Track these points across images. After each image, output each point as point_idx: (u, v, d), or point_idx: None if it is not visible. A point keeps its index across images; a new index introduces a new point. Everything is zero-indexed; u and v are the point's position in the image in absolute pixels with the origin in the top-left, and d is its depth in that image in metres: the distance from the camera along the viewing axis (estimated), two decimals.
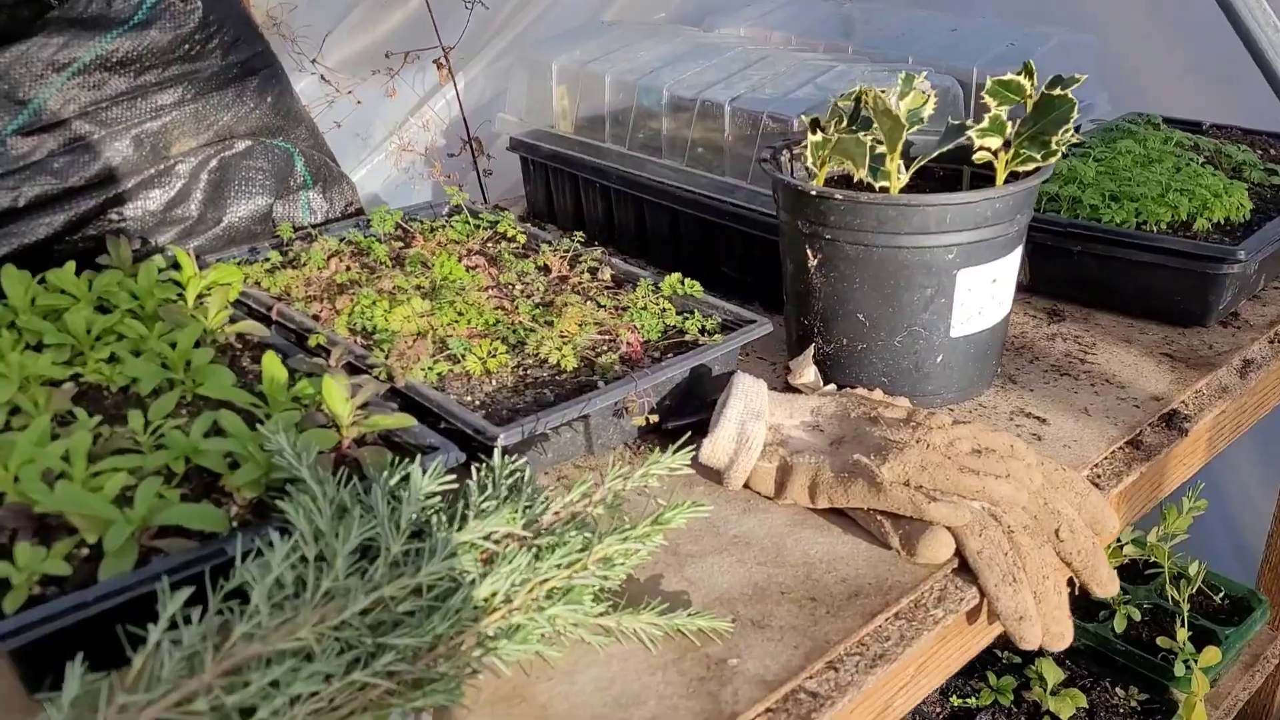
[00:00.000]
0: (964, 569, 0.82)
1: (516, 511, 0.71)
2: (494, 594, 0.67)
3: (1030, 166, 0.94)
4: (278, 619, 0.59)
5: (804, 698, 0.71)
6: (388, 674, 0.61)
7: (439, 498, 0.73)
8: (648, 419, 0.95)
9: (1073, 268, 1.19)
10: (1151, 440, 0.99)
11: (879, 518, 0.84)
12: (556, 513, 0.75)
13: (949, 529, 0.81)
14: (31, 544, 0.70)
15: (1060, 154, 0.91)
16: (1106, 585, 0.84)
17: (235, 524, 0.75)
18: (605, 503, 0.77)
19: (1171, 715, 1.41)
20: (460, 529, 0.68)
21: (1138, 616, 1.50)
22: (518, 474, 0.78)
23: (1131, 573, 1.59)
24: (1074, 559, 0.84)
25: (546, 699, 0.69)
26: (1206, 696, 1.41)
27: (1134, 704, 1.45)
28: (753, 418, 0.90)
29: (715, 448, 0.90)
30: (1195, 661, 1.39)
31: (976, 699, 1.46)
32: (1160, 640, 1.45)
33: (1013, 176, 0.97)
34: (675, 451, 0.81)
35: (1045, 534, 0.83)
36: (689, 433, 0.90)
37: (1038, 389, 1.06)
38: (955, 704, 1.47)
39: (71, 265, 1.01)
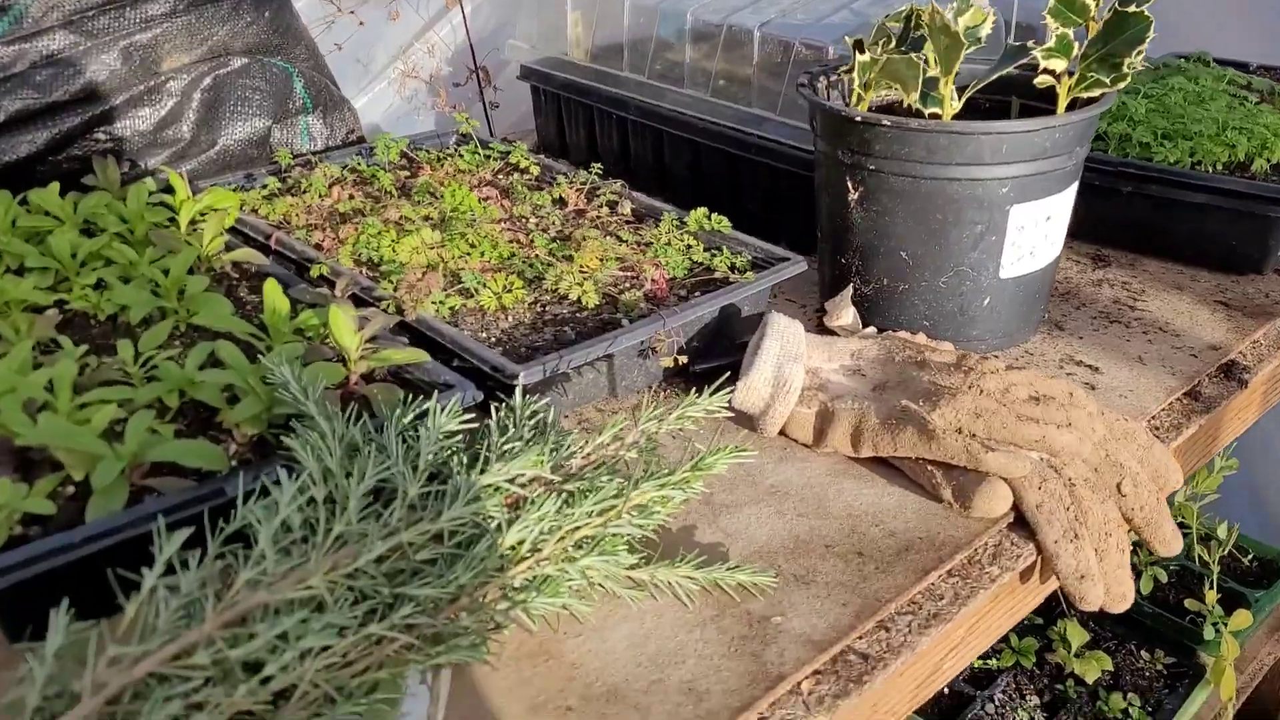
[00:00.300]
0: (1020, 524, 0.76)
1: (544, 454, 0.65)
2: (521, 542, 0.61)
3: (1096, 92, 0.87)
4: (285, 565, 0.53)
5: (854, 659, 0.65)
6: (406, 627, 0.55)
7: (458, 438, 0.67)
8: (676, 360, 0.89)
9: (1121, 210, 1.12)
10: (1210, 392, 0.93)
11: (929, 468, 0.78)
12: (587, 456, 0.68)
13: (1006, 481, 0.75)
14: (12, 480, 0.64)
15: (1130, 78, 0.84)
16: (1170, 543, 0.79)
17: (234, 463, 0.68)
18: (639, 446, 0.70)
19: (1199, 679, 1.37)
20: (483, 471, 0.62)
21: (1165, 578, 1.45)
22: (540, 415, 0.72)
23: None
24: (1136, 515, 0.78)
25: (575, 656, 0.63)
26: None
27: (1160, 667, 1.41)
28: (790, 360, 0.83)
29: (749, 391, 0.83)
30: (1225, 625, 1.34)
31: (997, 660, 1.42)
32: (1188, 602, 1.40)
33: (1070, 106, 0.91)
34: (713, 393, 0.74)
35: (1107, 488, 0.77)
36: (722, 376, 0.84)
37: (1087, 336, 0.99)
38: (976, 665, 1.42)
39: (55, 186, 0.94)
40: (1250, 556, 1.53)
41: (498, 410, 0.72)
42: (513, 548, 0.61)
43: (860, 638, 0.66)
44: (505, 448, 0.67)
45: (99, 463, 0.64)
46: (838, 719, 0.62)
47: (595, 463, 0.69)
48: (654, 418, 0.71)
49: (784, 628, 0.65)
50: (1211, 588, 1.39)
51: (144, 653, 0.50)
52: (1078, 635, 1.38)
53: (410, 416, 0.68)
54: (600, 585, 0.65)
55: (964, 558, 0.73)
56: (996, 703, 1.36)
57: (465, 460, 0.65)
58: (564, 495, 0.65)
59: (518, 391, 0.74)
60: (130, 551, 0.61)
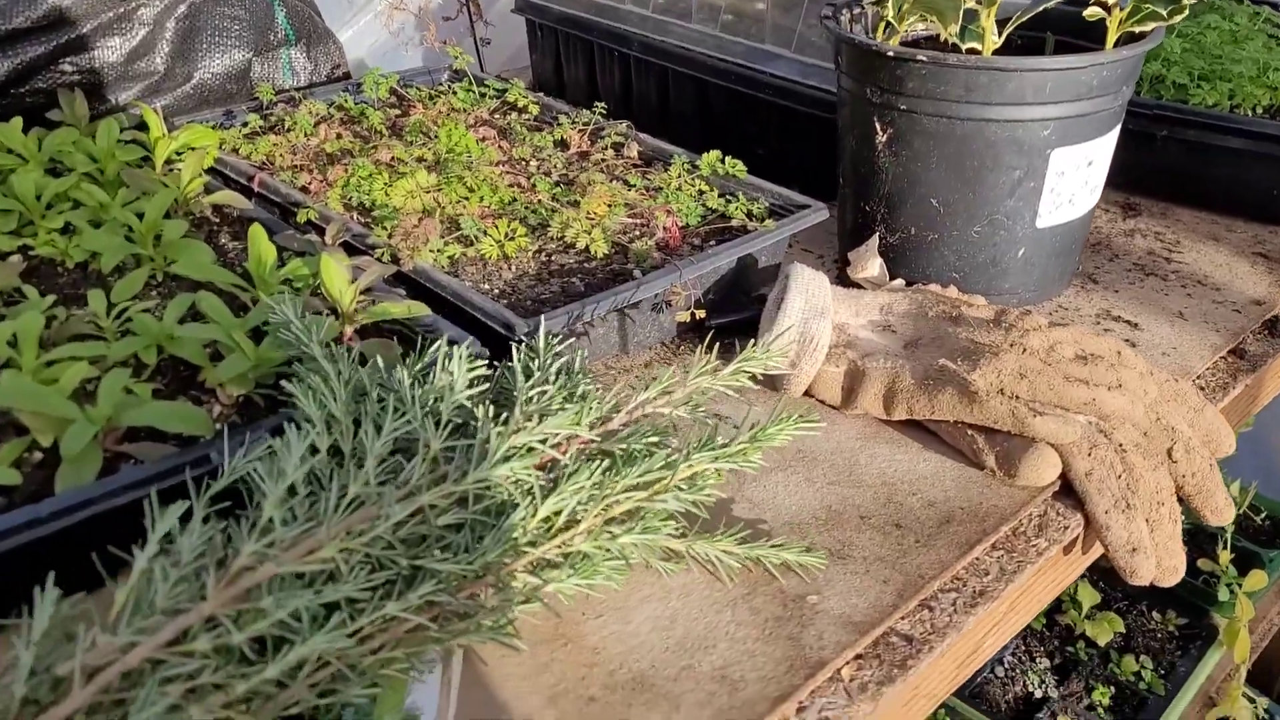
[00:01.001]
0: (1065, 492, 0.71)
1: (582, 412, 0.58)
2: (558, 513, 0.55)
3: (1149, 26, 0.81)
4: (293, 530, 0.47)
5: (897, 641, 0.60)
6: (427, 604, 0.49)
7: (477, 389, 0.60)
8: (693, 314, 0.83)
9: (1154, 156, 1.06)
10: (1256, 349, 0.88)
11: (970, 433, 0.72)
12: (630, 413, 0.62)
13: (1054, 447, 0.70)
14: None
15: (1188, 10, 0.77)
16: (1223, 512, 0.74)
17: (219, 426, 0.62)
18: (689, 403, 0.64)
19: (1212, 641, 1.34)
20: (516, 430, 0.55)
21: None
22: (566, 359, 0.65)
23: None
24: (1187, 482, 0.73)
25: (596, 640, 0.58)
26: None
27: (1171, 628, 1.38)
28: (816, 315, 0.78)
29: (773, 349, 0.78)
30: (1239, 585, 1.31)
31: None
32: (1201, 563, 1.37)
33: (1115, 43, 0.84)
34: (769, 347, 0.68)
35: (1158, 454, 0.72)
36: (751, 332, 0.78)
37: (1122, 290, 0.94)
38: None
39: (18, 121, 0.86)
40: (1263, 515, 1.50)
41: (518, 350, 0.65)
42: (548, 519, 0.55)
43: (903, 618, 0.61)
44: (531, 396, 0.60)
45: (69, 427, 0.58)
46: (880, 710, 0.57)
47: (637, 419, 0.63)
48: (706, 372, 0.65)
49: (821, 608, 0.60)
50: (1225, 548, 1.35)
51: (136, 638, 0.44)
52: (1089, 596, 1.35)
53: (419, 365, 0.61)
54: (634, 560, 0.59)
55: (1008, 530, 0.68)
56: (1006, 665, 1.33)
57: (490, 412, 0.58)
58: (604, 461, 0.58)
59: (540, 334, 0.67)
60: (108, 524, 0.55)
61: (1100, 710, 1.27)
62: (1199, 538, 1.44)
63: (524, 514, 0.53)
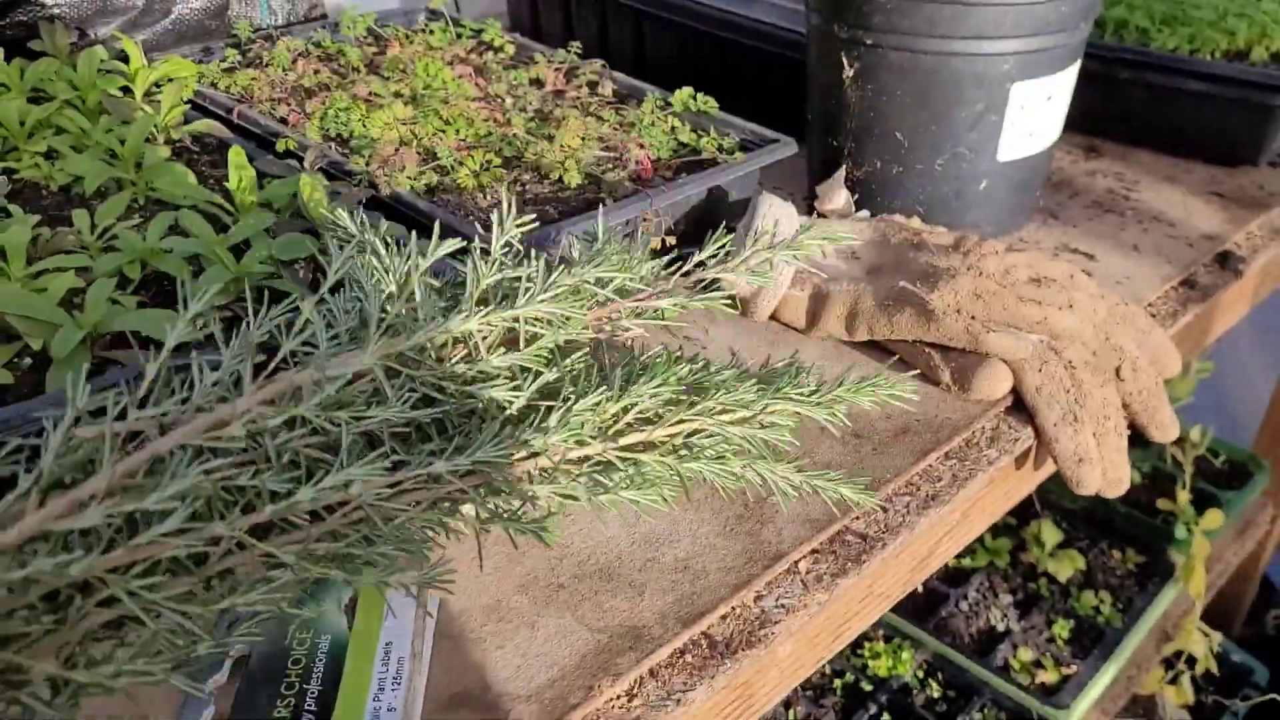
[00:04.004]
0: (1017, 407, 0.74)
1: (629, 260, 0.57)
2: (628, 408, 0.54)
3: None
4: (331, 349, 0.49)
5: (852, 539, 0.63)
6: (468, 472, 0.50)
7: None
8: (663, 242, 0.85)
9: (1115, 99, 1.09)
10: (1206, 280, 0.91)
11: (927, 350, 0.75)
12: (685, 274, 0.61)
13: (1006, 363, 0.73)
14: None
15: None
16: (1167, 429, 0.77)
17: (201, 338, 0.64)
18: (757, 271, 0.64)
19: (1168, 577, 1.38)
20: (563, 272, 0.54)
21: (1137, 479, 1.46)
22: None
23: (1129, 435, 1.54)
24: (1134, 400, 0.76)
25: (566, 536, 0.61)
26: None
27: (1131, 566, 1.42)
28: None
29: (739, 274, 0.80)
30: (1196, 524, 1.35)
31: (971, 560, 1.42)
32: (1160, 503, 1.41)
33: None
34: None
35: (1106, 371, 0.75)
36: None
37: (1081, 225, 0.97)
38: (950, 564, 1.42)
39: (0, 52, 0.88)
40: (1222, 459, 1.54)
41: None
42: (616, 415, 0.54)
43: (858, 518, 0.64)
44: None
45: (58, 331, 0.60)
46: (835, 599, 0.60)
47: (693, 279, 0.62)
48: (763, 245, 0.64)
49: (780, 508, 0.63)
50: (1184, 489, 1.40)
51: (172, 420, 0.45)
52: (1051, 535, 1.39)
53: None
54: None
55: (961, 440, 0.71)
56: (970, 600, 1.37)
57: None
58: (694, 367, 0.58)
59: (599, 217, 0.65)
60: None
61: (1059, 642, 1.31)
62: (1159, 480, 1.49)
63: (598, 400, 0.52)
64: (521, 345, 0.53)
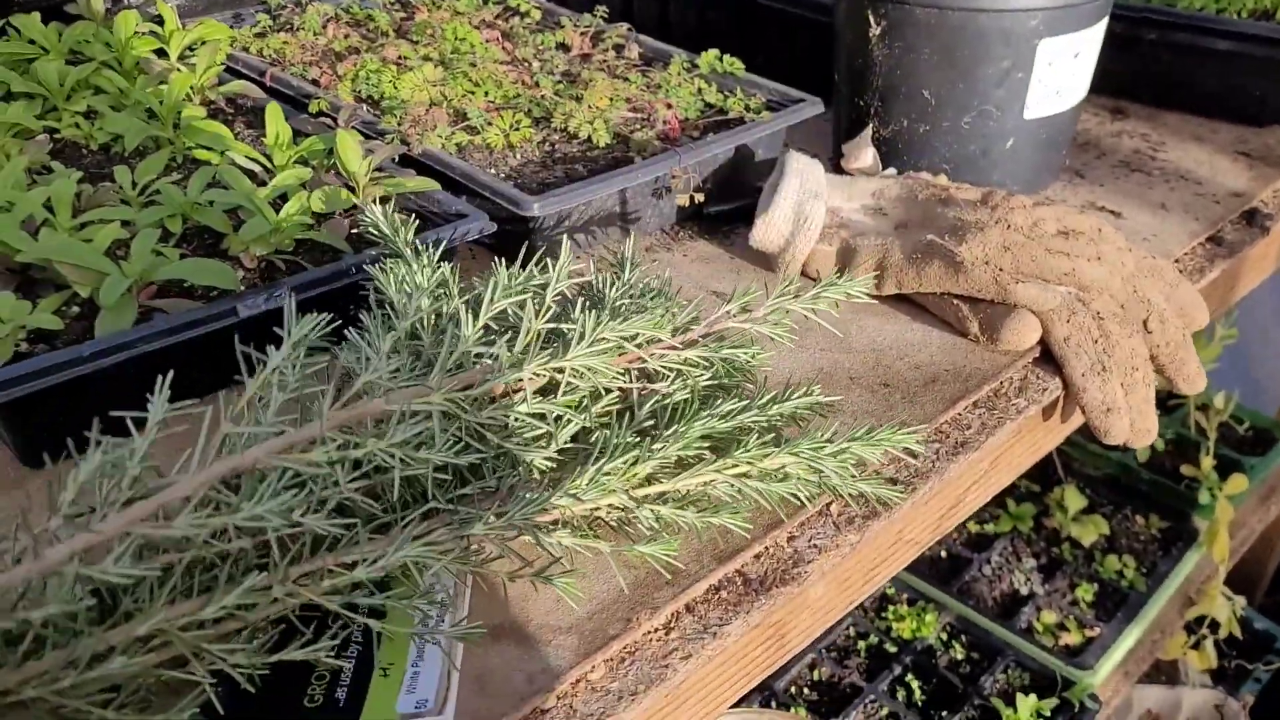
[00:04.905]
0: (1046, 358, 0.75)
1: (664, 315, 0.58)
2: (654, 472, 0.55)
3: None
4: (400, 381, 0.50)
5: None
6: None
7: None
8: (691, 198, 0.86)
9: (1142, 60, 1.09)
10: (1233, 237, 0.91)
11: (955, 302, 0.76)
12: (711, 325, 0.61)
13: (1034, 314, 0.74)
14: (15, 299, 0.61)
15: None
16: (1194, 380, 0.78)
17: (243, 287, 0.66)
18: (770, 321, 0.63)
19: (1192, 542, 1.38)
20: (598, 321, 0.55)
21: (1161, 446, 1.46)
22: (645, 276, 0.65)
23: None
24: (1161, 352, 0.77)
25: None
26: None
27: (1154, 531, 1.42)
28: (811, 197, 0.81)
29: (769, 229, 0.81)
30: (1220, 490, 1.35)
31: (995, 525, 1.43)
32: (1184, 469, 1.41)
33: None
34: (852, 275, 0.65)
35: (1134, 323, 0.76)
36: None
37: (1108, 184, 0.97)
38: (974, 530, 1.43)
39: (37, 14, 0.89)
40: (1246, 425, 1.54)
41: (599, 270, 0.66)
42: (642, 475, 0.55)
43: (889, 463, 0.65)
44: (617, 302, 0.61)
45: (105, 280, 0.61)
46: (866, 542, 0.61)
47: (718, 334, 0.62)
48: (788, 293, 0.63)
49: None
50: (1208, 454, 1.40)
51: (259, 436, 0.46)
52: (1075, 500, 1.39)
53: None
54: None
55: (990, 390, 0.72)
56: (994, 565, 1.37)
57: (587, 303, 0.59)
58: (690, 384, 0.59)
59: (628, 244, 0.67)
60: (143, 369, 0.59)
61: (1083, 605, 1.32)
62: (1183, 446, 1.49)
63: (628, 459, 0.53)
64: (561, 392, 0.54)
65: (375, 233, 0.62)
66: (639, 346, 0.57)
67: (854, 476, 0.60)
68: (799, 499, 0.58)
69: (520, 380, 0.52)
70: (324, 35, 1.01)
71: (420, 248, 0.60)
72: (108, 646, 0.41)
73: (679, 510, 0.55)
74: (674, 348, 0.59)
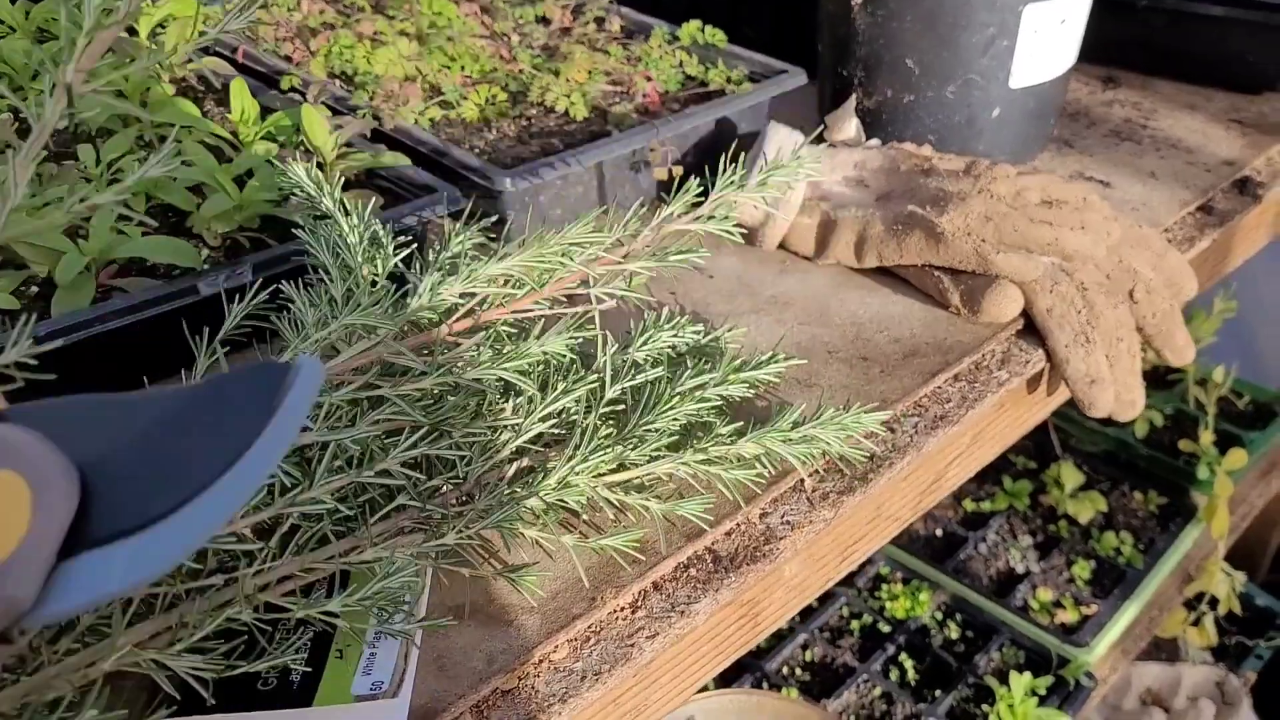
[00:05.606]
0: (1029, 331, 0.73)
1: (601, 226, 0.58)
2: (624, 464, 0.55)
3: None
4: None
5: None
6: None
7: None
8: (670, 172, 0.85)
9: (1134, 27, 1.07)
10: (1223, 206, 0.89)
11: (936, 274, 0.75)
12: (656, 229, 0.60)
13: (1017, 285, 0.72)
14: None
15: None
16: (1182, 352, 0.76)
17: (206, 266, 0.65)
18: (718, 217, 0.62)
19: (1191, 517, 1.37)
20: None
21: (1160, 421, 1.44)
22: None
23: (1151, 378, 1.52)
24: (1148, 323, 0.75)
25: None
26: None
27: (1153, 508, 1.41)
28: None
29: (748, 203, 0.79)
30: (1219, 465, 1.33)
31: (991, 503, 1.41)
32: (1183, 444, 1.39)
33: None
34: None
35: (1120, 293, 0.74)
36: None
37: (1098, 154, 0.95)
38: (969, 508, 1.42)
39: None
40: (1245, 399, 1.52)
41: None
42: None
43: (867, 436, 0.64)
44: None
45: (63, 258, 0.60)
46: (841, 517, 0.60)
47: (662, 237, 0.62)
48: (732, 184, 0.61)
49: None
50: (1207, 429, 1.38)
51: None
52: (1072, 477, 1.38)
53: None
54: None
55: (971, 363, 0.71)
56: (989, 543, 1.36)
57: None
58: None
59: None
60: (101, 349, 0.58)
61: (1079, 583, 1.31)
62: (1182, 422, 1.47)
63: (597, 456, 0.52)
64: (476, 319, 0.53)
65: (299, 194, 0.60)
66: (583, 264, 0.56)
67: (824, 455, 0.59)
68: (765, 478, 0.57)
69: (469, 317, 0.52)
70: (299, 11, 1.00)
71: (350, 206, 0.58)
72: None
73: (644, 501, 0.54)
74: (619, 262, 0.58)
